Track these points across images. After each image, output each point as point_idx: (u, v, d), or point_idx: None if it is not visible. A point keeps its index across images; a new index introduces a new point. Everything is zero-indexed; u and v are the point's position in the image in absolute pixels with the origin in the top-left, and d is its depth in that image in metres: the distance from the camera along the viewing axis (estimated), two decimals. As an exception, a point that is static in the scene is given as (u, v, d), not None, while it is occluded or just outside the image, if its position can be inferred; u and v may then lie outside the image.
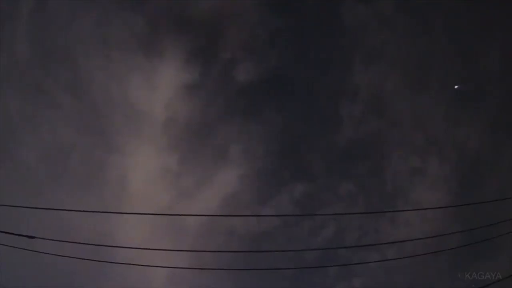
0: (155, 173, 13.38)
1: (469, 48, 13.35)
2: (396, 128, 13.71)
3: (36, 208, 6.82)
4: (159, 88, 13.31)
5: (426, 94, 13.60)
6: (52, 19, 12.82)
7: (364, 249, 9.71)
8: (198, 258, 7.82)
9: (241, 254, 8.19)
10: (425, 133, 13.56)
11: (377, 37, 13.54)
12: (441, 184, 13.24)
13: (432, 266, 11.39)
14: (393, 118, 13.71)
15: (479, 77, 13.32)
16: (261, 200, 13.42)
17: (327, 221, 12.86)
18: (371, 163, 13.80)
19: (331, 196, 13.51)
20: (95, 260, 6.64)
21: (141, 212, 7.33)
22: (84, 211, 7.24)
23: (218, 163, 13.58)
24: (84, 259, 6.62)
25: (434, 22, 13.46)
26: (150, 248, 6.43)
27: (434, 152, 13.56)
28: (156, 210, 12.55)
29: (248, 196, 13.37)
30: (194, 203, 13.18)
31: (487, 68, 13.26)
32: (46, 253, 6.58)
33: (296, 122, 14.03)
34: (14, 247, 6.44)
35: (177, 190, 13.28)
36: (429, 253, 7.38)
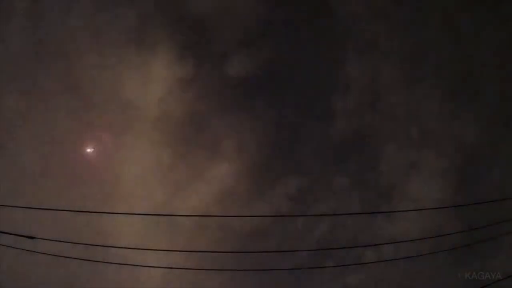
0: (148, 168, 13.44)
1: (466, 40, 13.33)
2: (391, 121, 13.73)
3: (36, 208, 6.83)
4: (152, 83, 13.35)
5: (422, 87, 13.61)
6: (46, 15, 12.85)
7: (360, 245, 9.80)
8: (193, 255, 7.87)
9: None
10: (421, 127, 13.58)
11: (371, 28, 13.53)
12: (439, 179, 13.25)
13: (431, 265, 11.40)
14: (388, 111, 13.73)
15: (476, 69, 13.32)
16: (255, 194, 13.49)
17: (322, 216, 13.01)
18: (366, 157, 13.84)
19: (325, 190, 13.57)
20: (95, 261, 6.66)
21: (137, 213, 7.35)
22: (84, 211, 7.26)
23: (211, 158, 13.63)
24: (83, 259, 6.63)
25: (430, 13, 13.45)
26: (148, 248, 6.45)
27: (430, 146, 13.57)
28: (150, 206, 12.71)
29: (242, 190, 13.43)
30: (187, 198, 13.23)
31: (485, 61, 13.25)
32: (46, 253, 6.59)
33: (289, 116, 14.08)
34: (14, 247, 6.45)
35: (171, 186, 13.32)
36: (428, 254, 7.39)
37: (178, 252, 7.62)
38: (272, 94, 13.96)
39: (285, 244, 12.83)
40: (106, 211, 8.15)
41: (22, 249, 6.46)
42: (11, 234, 6.44)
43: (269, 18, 13.43)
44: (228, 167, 13.44)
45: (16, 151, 12.60)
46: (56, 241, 6.58)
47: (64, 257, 6.66)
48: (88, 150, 13.22)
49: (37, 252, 6.65)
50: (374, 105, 13.69)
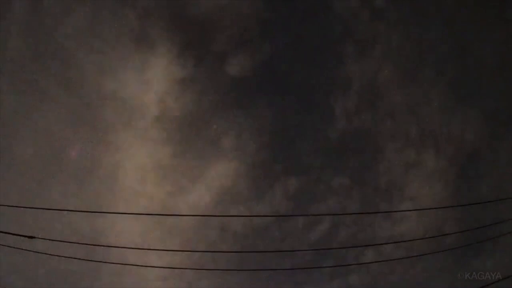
0: (148, 168, 13.44)
1: (465, 38, 13.34)
2: (390, 120, 13.73)
3: (36, 208, 6.83)
4: (152, 82, 13.36)
5: (421, 86, 13.62)
6: (45, 14, 12.85)
7: (360, 244, 9.82)
8: (192, 255, 7.89)
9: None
10: (420, 126, 13.59)
11: (370, 28, 13.53)
12: (438, 178, 13.26)
13: (431, 265, 11.41)
14: (388, 111, 13.74)
15: (476, 69, 13.33)
16: (254, 194, 13.50)
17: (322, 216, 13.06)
18: (366, 157, 13.84)
19: (325, 190, 13.57)
20: (95, 261, 6.66)
21: (137, 212, 7.36)
22: (85, 211, 7.29)
23: (211, 157, 13.64)
24: (83, 259, 6.63)
25: (429, 11, 13.45)
26: (148, 248, 6.46)
27: (430, 145, 13.58)
28: (150, 206, 12.75)
29: (241, 190, 13.45)
30: (187, 198, 13.26)
31: (484, 59, 13.27)
32: (46, 253, 6.59)
33: (289, 115, 14.07)
34: (14, 247, 6.45)
35: (171, 185, 13.34)
36: (428, 254, 7.39)
37: (178, 252, 7.63)
38: (272, 94, 13.97)
39: (285, 244, 12.86)
40: (106, 211, 8.17)
41: (22, 249, 6.46)
42: (11, 234, 6.44)
43: (269, 17, 13.45)
44: (228, 166, 13.46)
45: (15, 151, 12.61)
46: (56, 241, 6.58)
47: (64, 257, 6.65)
48: (88, 149, 13.23)
49: (37, 252, 6.65)
50: (374, 104, 13.71)
